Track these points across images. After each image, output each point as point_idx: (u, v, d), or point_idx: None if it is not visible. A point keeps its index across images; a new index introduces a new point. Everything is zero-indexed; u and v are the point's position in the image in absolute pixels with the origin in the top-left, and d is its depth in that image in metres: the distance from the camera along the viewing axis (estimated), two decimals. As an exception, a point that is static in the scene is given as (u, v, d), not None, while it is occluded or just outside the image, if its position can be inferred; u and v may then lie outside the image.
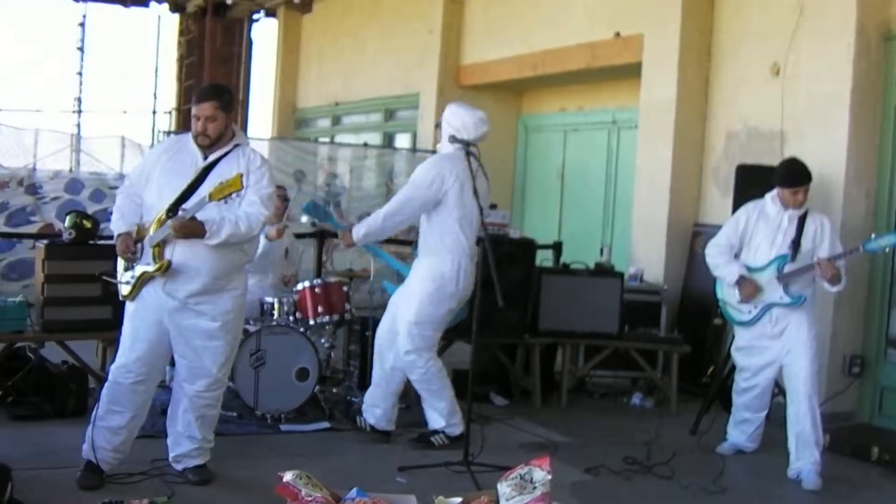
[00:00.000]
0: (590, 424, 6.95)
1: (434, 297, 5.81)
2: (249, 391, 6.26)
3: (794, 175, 5.93)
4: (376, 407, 6.04)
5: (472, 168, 5.76)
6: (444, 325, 5.99)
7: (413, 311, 5.83)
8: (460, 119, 5.87)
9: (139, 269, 4.83)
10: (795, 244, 5.89)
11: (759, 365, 6.08)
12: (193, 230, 4.69)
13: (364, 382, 7.16)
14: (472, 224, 5.85)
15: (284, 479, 3.47)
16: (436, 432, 5.99)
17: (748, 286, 5.94)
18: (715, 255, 6.16)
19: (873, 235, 5.73)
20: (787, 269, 5.89)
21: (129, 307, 4.94)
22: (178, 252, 4.77)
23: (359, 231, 5.92)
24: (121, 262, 4.95)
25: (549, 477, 3.54)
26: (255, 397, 6.26)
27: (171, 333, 4.89)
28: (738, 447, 6.30)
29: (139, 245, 4.82)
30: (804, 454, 5.80)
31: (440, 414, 5.97)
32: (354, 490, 3.60)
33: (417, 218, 5.94)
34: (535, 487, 3.47)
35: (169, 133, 16.06)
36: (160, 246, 4.77)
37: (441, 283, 5.81)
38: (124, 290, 4.91)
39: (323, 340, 6.94)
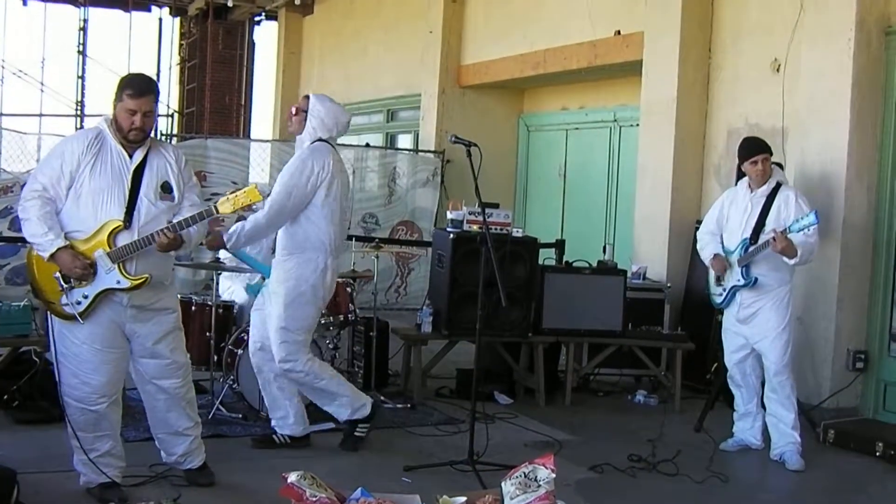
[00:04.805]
0: (594, 422, 6.96)
1: (303, 299, 5.54)
2: (254, 393, 6.26)
3: (751, 145, 6.19)
4: (286, 417, 5.80)
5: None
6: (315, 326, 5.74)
7: (282, 317, 5.53)
8: (333, 115, 5.61)
9: (96, 288, 4.54)
10: (758, 226, 6.02)
11: (734, 348, 6.24)
12: (175, 244, 4.59)
13: (369, 383, 7.19)
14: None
15: (289, 480, 3.46)
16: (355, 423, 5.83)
17: (718, 262, 6.20)
18: (701, 240, 6.48)
19: (799, 217, 5.79)
20: (750, 250, 6.04)
21: (80, 331, 4.59)
22: (143, 263, 4.59)
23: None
24: (51, 281, 4.53)
25: (554, 475, 3.54)
26: (259, 399, 6.26)
27: (138, 341, 4.74)
28: (744, 443, 6.31)
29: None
30: (783, 437, 6.03)
31: (344, 408, 5.78)
32: (359, 490, 3.59)
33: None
34: (539, 486, 3.47)
35: (170, 136, 16.03)
36: (123, 259, 4.56)
37: (308, 284, 5.54)
38: (75, 310, 4.53)
39: (327, 341, 6.95)
